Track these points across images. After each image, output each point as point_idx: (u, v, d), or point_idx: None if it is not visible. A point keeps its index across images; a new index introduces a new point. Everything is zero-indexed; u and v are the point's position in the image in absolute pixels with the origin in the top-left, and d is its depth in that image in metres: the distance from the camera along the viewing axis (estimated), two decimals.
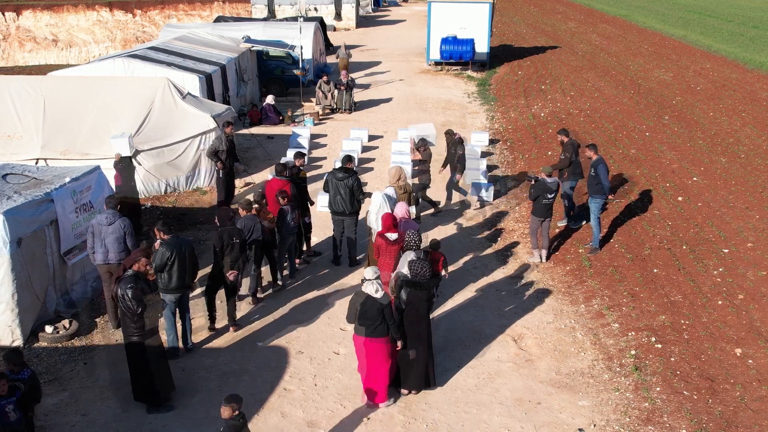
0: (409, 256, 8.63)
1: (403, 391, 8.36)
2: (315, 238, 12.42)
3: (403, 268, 8.52)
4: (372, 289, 7.80)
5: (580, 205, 13.27)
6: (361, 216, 11.62)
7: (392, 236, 9.48)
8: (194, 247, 8.86)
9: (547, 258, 11.94)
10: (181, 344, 9.01)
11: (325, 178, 11.45)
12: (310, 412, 7.97)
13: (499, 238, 12.88)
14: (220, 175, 13.50)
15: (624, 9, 52.50)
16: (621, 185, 14.79)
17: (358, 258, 11.65)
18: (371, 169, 16.56)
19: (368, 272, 7.93)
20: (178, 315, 8.96)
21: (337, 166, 11.81)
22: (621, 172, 15.50)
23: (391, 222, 9.60)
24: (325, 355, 9.10)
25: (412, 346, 8.09)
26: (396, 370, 8.21)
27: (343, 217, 11.26)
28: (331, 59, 29.52)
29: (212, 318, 9.65)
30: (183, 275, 8.64)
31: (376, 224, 10.28)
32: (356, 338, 7.97)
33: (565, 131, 13.26)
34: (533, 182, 11.58)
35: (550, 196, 11.48)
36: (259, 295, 10.49)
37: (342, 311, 10.11)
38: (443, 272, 9.91)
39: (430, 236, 12.68)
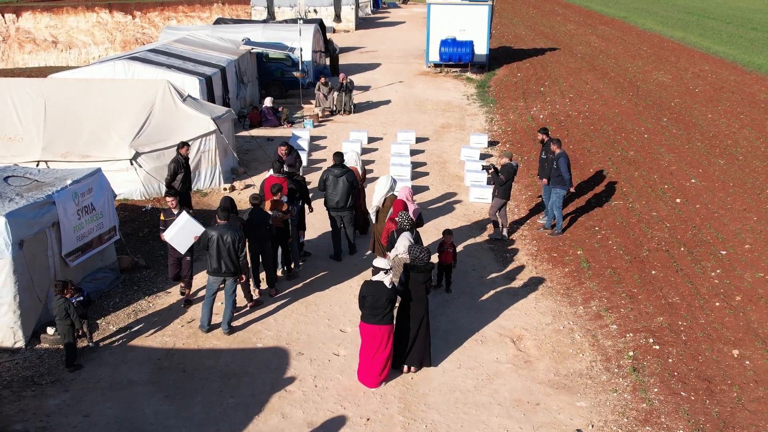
0: (405, 237, 8.90)
1: (404, 368, 8.71)
2: (308, 237, 12.48)
3: (400, 249, 8.80)
4: (387, 280, 8.08)
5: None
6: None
7: None
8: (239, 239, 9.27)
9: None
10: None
11: (320, 176, 11.59)
12: (310, 413, 8.03)
13: (497, 240, 12.93)
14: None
15: (623, 11, 52.61)
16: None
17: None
18: (370, 170, 16.61)
19: (383, 262, 8.16)
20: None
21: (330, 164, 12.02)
22: (620, 173, 15.57)
23: (402, 208, 9.94)
24: (325, 356, 9.15)
25: (411, 324, 8.45)
26: (394, 353, 8.56)
27: (341, 212, 11.51)
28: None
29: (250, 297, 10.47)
30: (219, 261, 9.24)
31: (378, 202, 11.07)
32: (363, 326, 8.24)
33: (545, 130, 13.70)
34: (492, 170, 12.51)
35: (514, 178, 12.55)
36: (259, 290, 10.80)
37: (342, 312, 10.19)
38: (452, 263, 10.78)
39: (427, 236, 12.76)
